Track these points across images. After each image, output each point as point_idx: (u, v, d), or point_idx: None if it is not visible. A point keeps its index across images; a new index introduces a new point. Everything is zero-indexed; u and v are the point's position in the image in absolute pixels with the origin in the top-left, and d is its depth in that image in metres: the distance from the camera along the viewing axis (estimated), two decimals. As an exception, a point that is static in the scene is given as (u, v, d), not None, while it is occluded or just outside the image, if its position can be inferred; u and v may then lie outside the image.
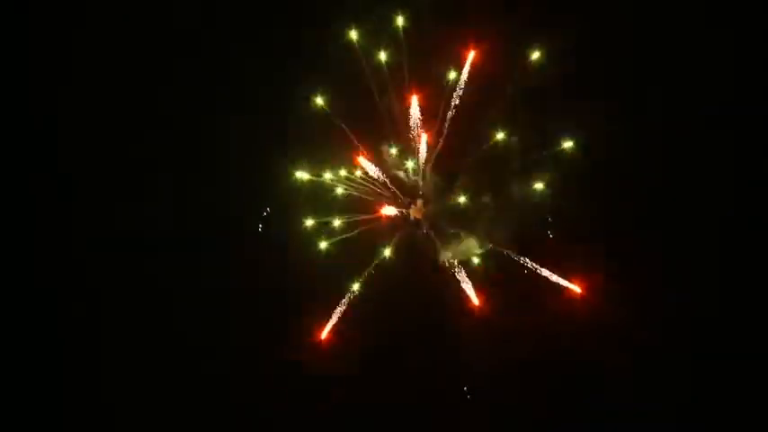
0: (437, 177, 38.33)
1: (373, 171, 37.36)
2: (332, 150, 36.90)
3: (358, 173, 37.46)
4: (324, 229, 37.07)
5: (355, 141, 36.53)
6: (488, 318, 36.14)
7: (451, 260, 36.85)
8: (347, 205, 37.58)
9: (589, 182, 36.65)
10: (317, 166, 36.90)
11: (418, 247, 38.04)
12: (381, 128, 37.24)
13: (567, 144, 36.03)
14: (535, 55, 35.69)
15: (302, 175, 36.84)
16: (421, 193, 38.44)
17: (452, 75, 36.04)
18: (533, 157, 36.67)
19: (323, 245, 37.12)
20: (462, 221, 37.23)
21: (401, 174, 37.98)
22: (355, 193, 37.75)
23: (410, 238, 38.05)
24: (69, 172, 32.43)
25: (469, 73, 36.16)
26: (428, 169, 37.87)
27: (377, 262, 36.81)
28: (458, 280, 36.67)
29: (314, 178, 37.02)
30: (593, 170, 36.40)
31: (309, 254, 36.53)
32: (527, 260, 36.30)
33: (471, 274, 36.70)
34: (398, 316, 37.39)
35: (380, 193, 37.93)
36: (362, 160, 36.84)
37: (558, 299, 36.12)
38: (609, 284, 35.56)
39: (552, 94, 36.67)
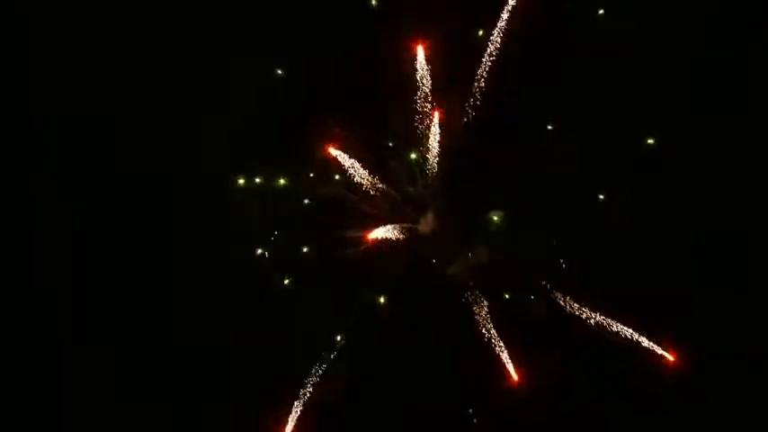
0: (455, 176, 30.70)
1: (355, 168, 29.87)
2: (294, 142, 30.37)
3: (337, 177, 30.40)
4: (287, 259, 30.89)
5: (329, 123, 29.56)
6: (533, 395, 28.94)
7: (460, 273, 30.80)
8: (319, 220, 31.16)
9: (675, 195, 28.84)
10: (270, 166, 30.82)
11: (430, 283, 30.82)
12: (371, 105, 29.90)
13: (650, 141, 28.65)
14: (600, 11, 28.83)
15: (248, 179, 30.74)
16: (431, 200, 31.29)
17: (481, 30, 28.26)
18: (598, 156, 28.90)
19: (286, 281, 30.77)
20: (483, 237, 30.75)
21: (403, 177, 31.02)
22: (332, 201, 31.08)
23: (417, 269, 30.95)
24: (69, 172, 34.53)
25: (507, 25, 27.71)
26: (442, 164, 30.24)
27: (364, 307, 30.02)
28: (495, 348, 29.16)
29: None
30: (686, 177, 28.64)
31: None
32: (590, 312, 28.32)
33: (509, 341, 28.80)
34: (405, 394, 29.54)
35: (372, 198, 30.76)
36: (336, 152, 29.50)
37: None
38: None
39: (626, 68, 28.81)
